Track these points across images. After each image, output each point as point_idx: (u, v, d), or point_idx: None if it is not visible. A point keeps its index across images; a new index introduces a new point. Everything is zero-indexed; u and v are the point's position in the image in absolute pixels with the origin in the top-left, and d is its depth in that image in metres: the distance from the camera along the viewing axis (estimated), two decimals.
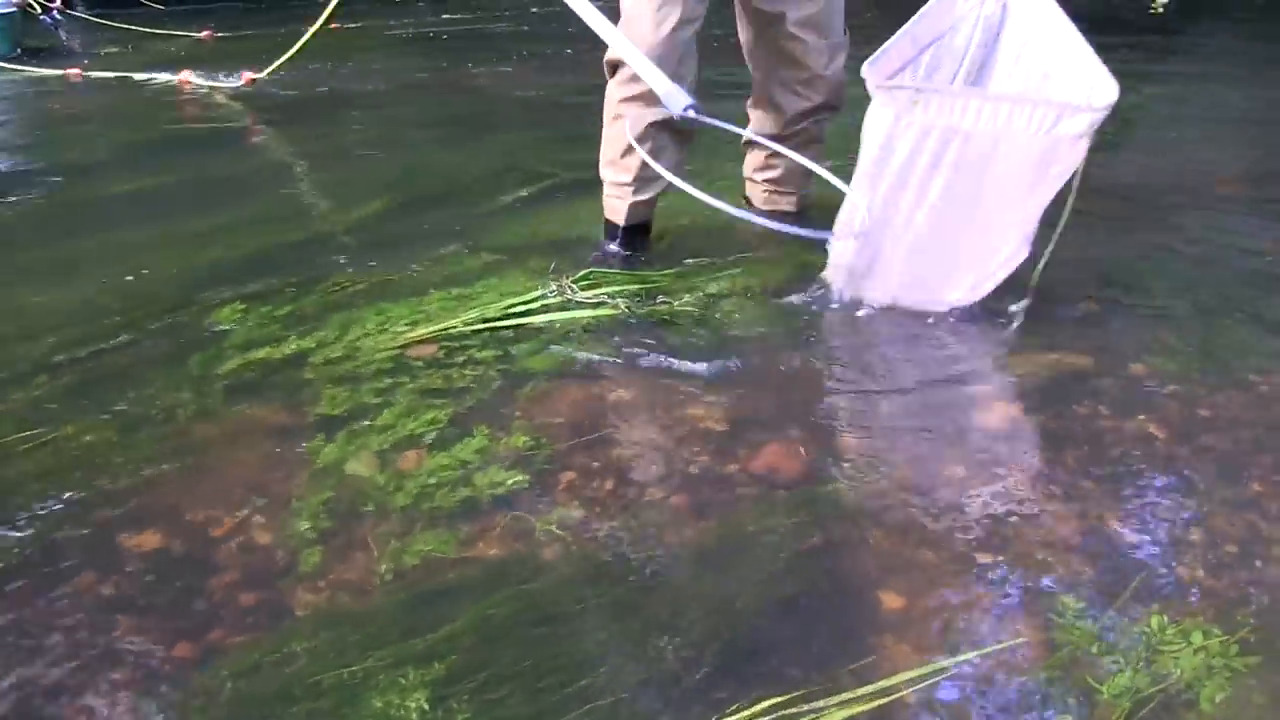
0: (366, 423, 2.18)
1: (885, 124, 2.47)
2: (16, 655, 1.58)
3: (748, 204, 3.43)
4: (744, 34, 3.14)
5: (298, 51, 5.84)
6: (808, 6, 2.94)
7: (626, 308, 2.69)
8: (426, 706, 1.46)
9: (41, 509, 1.93)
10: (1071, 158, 2.38)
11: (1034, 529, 1.86)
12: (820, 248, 2.71)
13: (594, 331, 2.59)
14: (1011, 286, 2.58)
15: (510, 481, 1.98)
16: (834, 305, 2.72)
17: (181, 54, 7.98)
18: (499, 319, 2.60)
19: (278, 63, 5.99)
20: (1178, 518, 1.89)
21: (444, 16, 10.23)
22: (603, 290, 2.76)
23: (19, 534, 1.86)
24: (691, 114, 2.65)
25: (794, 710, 1.43)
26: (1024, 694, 1.48)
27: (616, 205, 3.06)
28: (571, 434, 2.14)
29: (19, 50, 7.96)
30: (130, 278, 3.05)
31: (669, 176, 2.62)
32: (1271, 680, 1.50)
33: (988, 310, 2.63)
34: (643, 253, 3.10)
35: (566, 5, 2.94)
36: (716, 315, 2.68)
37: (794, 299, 2.77)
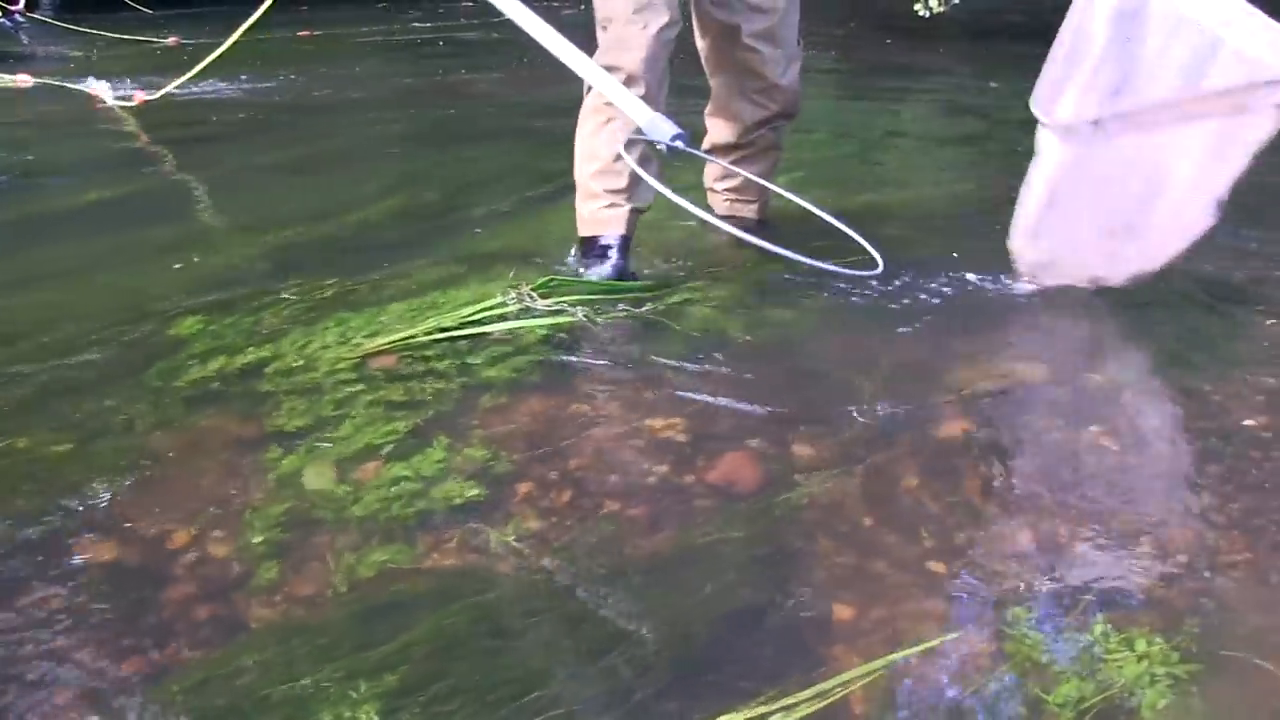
0: (325, 434, 2.18)
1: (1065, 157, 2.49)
2: None
3: (710, 213, 3.44)
4: (701, 43, 3.14)
5: (200, 71, 5.70)
6: (761, 20, 2.96)
7: (586, 317, 2.69)
8: (377, 719, 1.45)
9: None
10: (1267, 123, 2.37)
11: (988, 539, 1.87)
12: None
13: (554, 341, 2.60)
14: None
15: (468, 493, 1.98)
16: (796, 316, 2.73)
17: (140, 61, 7.93)
18: (458, 328, 2.59)
19: (170, 86, 5.82)
20: (1129, 528, 1.91)
21: (412, 25, 10.24)
22: (563, 299, 2.76)
23: None
24: (680, 145, 2.55)
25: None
26: (972, 704, 1.49)
27: (610, 215, 2.93)
28: (529, 445, 2.14)
29: None
30: (88, 289, 3.04)
31: (676, 199, 2.45)
32: (1211, 687, 1.52)
33: (950, 320, 2.65)
34: (628, 267, 2.99)
35: (534, 38, 2.76)
36: (678, 325, 2.68)
37: (755, 309, 2.79)
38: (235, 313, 2.77)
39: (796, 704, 1.47)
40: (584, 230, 2.99)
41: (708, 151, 3.34)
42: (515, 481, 2.02)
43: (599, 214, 2.94)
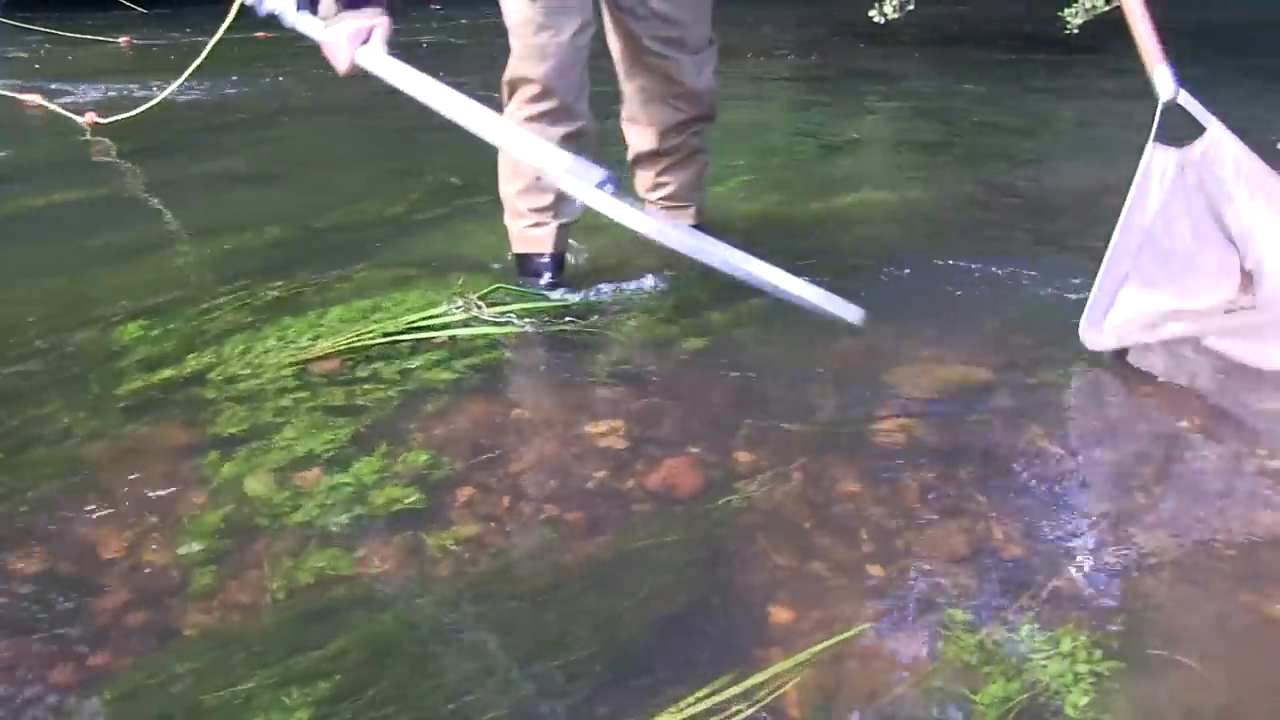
0: (265, 441, 2.18)
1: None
2: None
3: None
4: (613, 48, 3.11)
5: (161, 100, 5.56)
6: (669, 28, 2.94)
7: (532, 325, 2.70)
8: None
9: None
10: None
11: (924, 542, 1.89)
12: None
13: (498, 348, 2.60)
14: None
15: (407, 499, 1.98)
16: (739, 323, 2.75)
17: (91, 63, 7.86)
18: (402, 335, 2.59)
19: (134, 112, 5.69)
20: (1063, 529, 1.93)
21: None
22: (509, 308, 2.77)
23: None
24: (610, 190, 2.13)
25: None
26: (904, 705, 1.51)
27: (538, 234, 2.93)
28: (471, 451, 2.14)
29: None
30: (30, 296, 3.01)
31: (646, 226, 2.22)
32: (1134, 685, 1.54)
33: (894, 325, 2.68)
34: (563, 281, 3.00)
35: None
36: (621, 333, 2.70)
37: (698, 316, 2.80)
38: (179, 318, 2.76)
39: (728, 703, 1.49)
40: (515, 248, 3.00)
41: (632, 163, 3.34)
42: (455, 487, 2.02)
43: (526, 233, 2.94)
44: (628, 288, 2.96)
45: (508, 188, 2.92)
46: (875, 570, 1.81)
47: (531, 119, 2.76)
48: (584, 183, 2.11)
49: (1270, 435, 2.22)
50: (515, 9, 2.73)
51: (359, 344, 2.55)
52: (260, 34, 8.96)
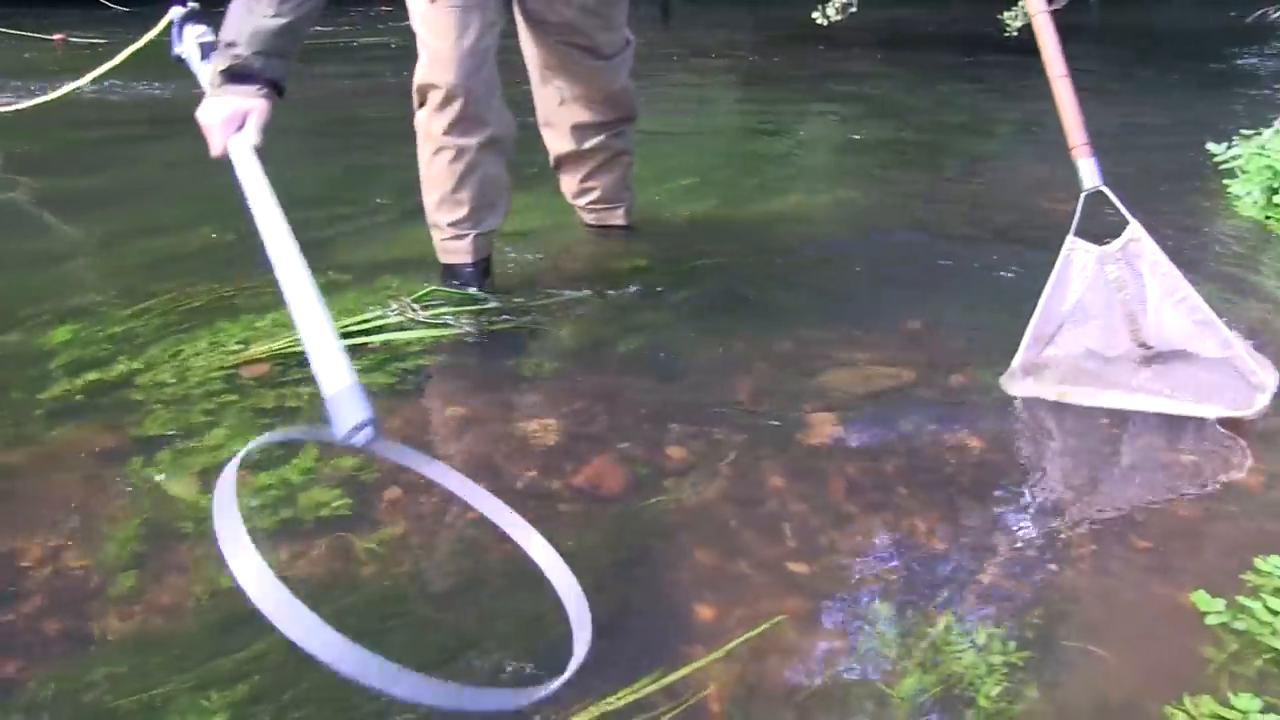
0: (192, 443, 2.16)
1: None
2: None
3: (583, 226, 3.47)
4: (527, 54, 3.11)
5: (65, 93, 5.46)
6: (580, 36, 2.94)
7: (467, 327, 2.70)
8: None
9: None
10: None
11: (849, 539, 1.91)
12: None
13: (431, 351, 2.60)
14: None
15: (334, 501, 1.97)
16: (671, 323, 2.77)
17: (21, 61, 7.75)
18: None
19: (22, 104, 5.54)
20: (984, 525, 1.96)
21: (340, 28, 10.13)
22: (444, 310, 2.76)
23: None
24: (359, 441, 1.49)
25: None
26: (822, 699, 1.52)
27: (457, 245, 2.92)
28: None
29: None
30: None
31: None
32: (1044, 674, 1.57)
33: (823, 325, 2.70)
34: (489, 286, 2.98)
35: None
36: (555, 334, 2.71)
37: (630, 317, 2.82)
38: (108, 322, 2.73)
39: (650, 700, 1.50)
40: (439, 258, 2.98)
41: (554, 167, 3.34)
42: (383, 489, 2.02)
43: (446, 244, 2.93)
44: (562, 290, 2.96)
45: (426, 198, 2.89)
46: (798, 566, 1.83)
47: (446, 129, 2.71)
48: (341, 419, 1.50)
49: (1186, 432, 2.26)
50: (420, 11, 2.68)
51: (291, 349, 2.53)
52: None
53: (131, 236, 3.49)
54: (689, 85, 6.74)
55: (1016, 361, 2.38)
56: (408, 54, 2.69)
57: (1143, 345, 2.38)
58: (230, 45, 2.25)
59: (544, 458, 2.14)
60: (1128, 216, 2.30)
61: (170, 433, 2.20)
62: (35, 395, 2.36)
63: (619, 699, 1.50)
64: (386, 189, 3.97)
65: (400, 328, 2.68)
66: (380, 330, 2.65)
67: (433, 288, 2.87)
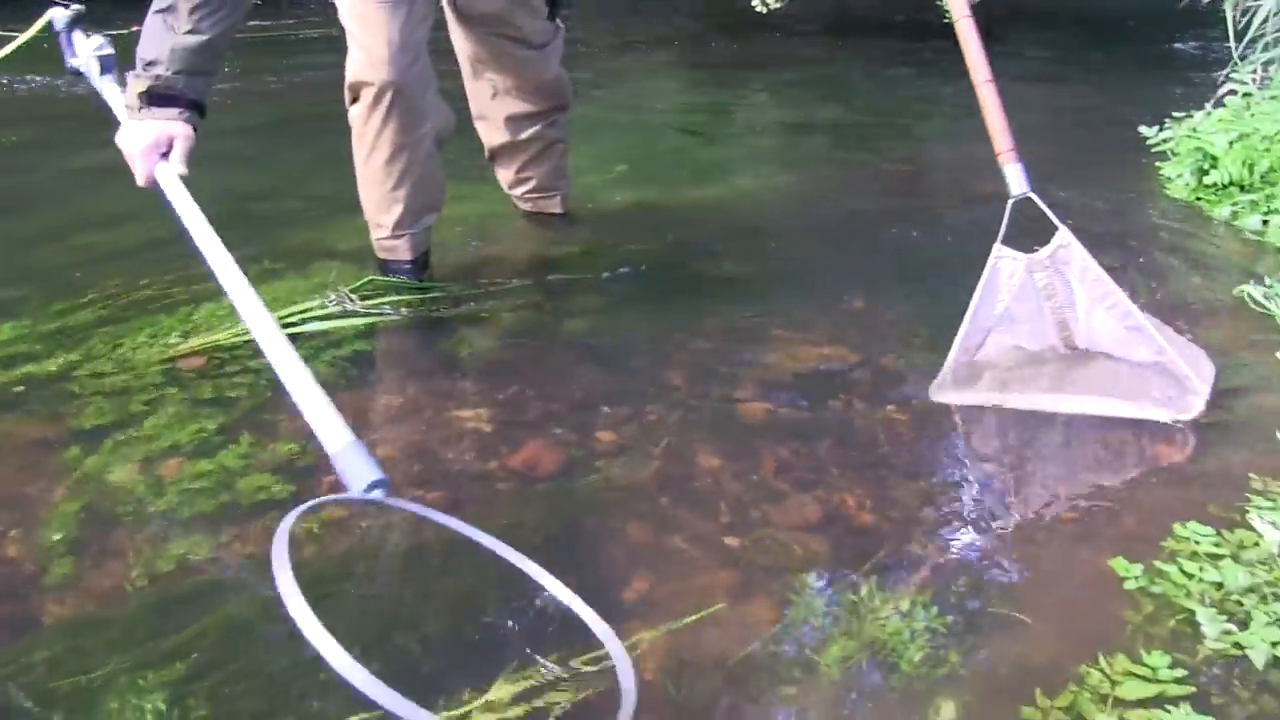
0: (130, 433, 2.16)
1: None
2: None
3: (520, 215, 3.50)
4: (458, 48, 3.10)
5: None
6: (507, 27, 2.94)
7: (405, 315, 2.72)
8: (163, 706, 1.47)
9: None
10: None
11: (781, 514, 1.96)
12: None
13: (369, 339, 2.61)
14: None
15: (272, 486, 1.99)
16: (606, 308, 2.80)
17: None
18: None
19: None
20: (914, 499, 2.01)
21: (251, 22, 10.03)
22: (382, 300, 2.78)
23: None
24: (378, 496, 1.53)
25: (522, 692, 1.49)
26: (751, 668, 1.56)
27: (396, 244, 2.88)
28: None
29: None
30: None
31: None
32: (966, 638, 1.63)
33: (756, 306, 2.75)
34: (428, 276, 2.97)
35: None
36: (492, 321, 2.73)
37: (566, 303, 2.85)
38: (44, 316, 2.71)
39: (578, 669, 1.53)
40: (377, 253, 2.94)
41: (490, 159, 3.35)
42: (321, 474, 2.03)
43: (383, 242, 2.90)
44: (500, 278, 2.98)
45: (362, 195, 2.85)
46: (731, 541, 1.87)
47: (380, 127, 2.64)
48: (351, 475, 1.54)
49: None
50: (349, 5, 2.60)
51: (229, 340, 2.54)
52: (137, 27, 8.78)
53: (67, 233, 3.45)
54: (626, 73, 6.76)
55: (946, 370, 2.37)
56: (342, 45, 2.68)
57: (1073, 349, 2.40)
58: (150, 64, 2.20)
59: (479, 441, 2.16)
60: (1056, 223, 2.30)
61: (107, 423, 2.20)
62: None
63: (551, 669, 1.53)
64: (322, 180, 3.95)
65: (338, 317, 2.68)
66: (318, 320, 2.65)
67: (370, 277, 2.88)
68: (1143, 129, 4.41)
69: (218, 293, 2.76)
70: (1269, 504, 1.95)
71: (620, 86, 6.28)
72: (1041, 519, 1.96)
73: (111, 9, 2.73)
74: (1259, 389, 2.42)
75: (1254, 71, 4.45)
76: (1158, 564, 1.80)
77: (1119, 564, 1.79)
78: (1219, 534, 1.87)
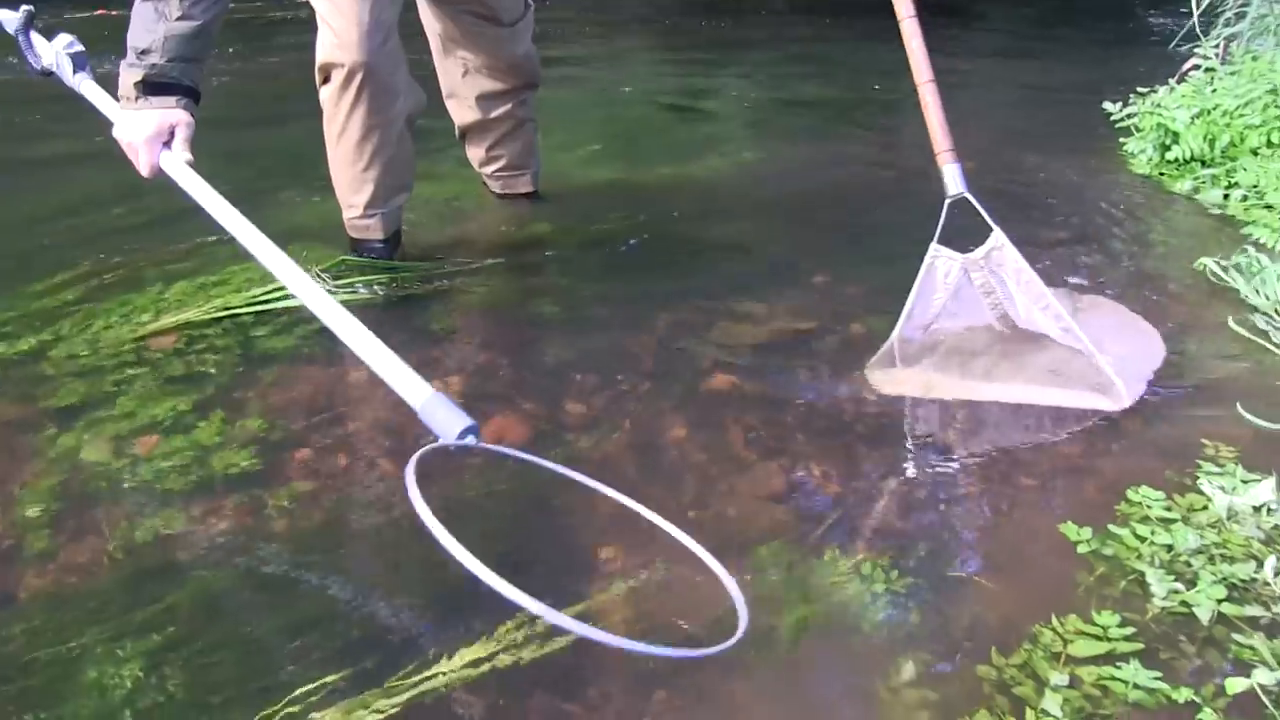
0: (104, 412, 2.18)
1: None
2: None
3: (490, 194, 3.52)
4: (428, 26, 3.10)
5: None
6: (478, 5, 2.94)
7: (376, 293, 2.74)
8: (141, 674, 1.50)
9: None
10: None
11: (746, 483, 2.00)
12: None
13: None
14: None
15: (244, 461, 2.02)
16: (576, 285, 2.83)
17: None
18: (243, 308, 2.61)
19: None
20: (877, 468, 2.06)
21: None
22: (354, 279, 2.80)
23: None
24: (471, 441, 1.61)
25: (490, 654, 1.53)
26: (713, 632, 1.60)
27: (368, 224, 2.89)
28: (308, 414, 2.18)
29: None
30: None
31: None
32: (924, 598, 1.68)
33: (725, 281, 2.79)
34: (399, 255, 2.99)
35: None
36: (463, 298, 2.76)
37: (536, 281, 2.89)
38: (15, 298, 2.71)
39: (544, 632, 1.57)
40: (349, 233, 2.96)
41: (460, 138, 3.37)
42: (292, 448, 2.06)
43: (355, 222, 2.91)
44: (470, 256, 3.00)
45: (334, 176, 2.86)
46: (697, 511, 1.91)
47: (351, 108, 2.64)
48: (443, 424, 1.62)
49: None
50: None
51: (200, 318, 2.56)
52: (100, 11, 8.75)
53: (37, 216, 3.46)
54: (605, 53, 6.77)
55: (881, 358, 2.39)
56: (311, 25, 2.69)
57: (1012, 340, 2.43)
58: (144, 53, 2.19)
59: None
60: (990, 224, 2.31)
61: (82, 402, 2.22)
62: None
63: (513, 630, 1.57)
64: (292, 161, 3.96)
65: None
66: (288, 299, 2.66)
67: (343, 257, 2.90)
68: (1107, 105, 4.46)
69: (186, 273, 2.82)
70: (1218, 470, 2.01)
71: (598, 66, 6.29)
72: (1002, 486, 2.01)
73: None
74: (1213, 358, 2.48)
75: (1216, 47, 4.50)
76: (1111, 528, 1.85)
77: (1069, 529, 1.84)
78: (1170, 498, 1.93)
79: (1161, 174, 3.99)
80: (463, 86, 3.17)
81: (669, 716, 1.46)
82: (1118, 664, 1.53)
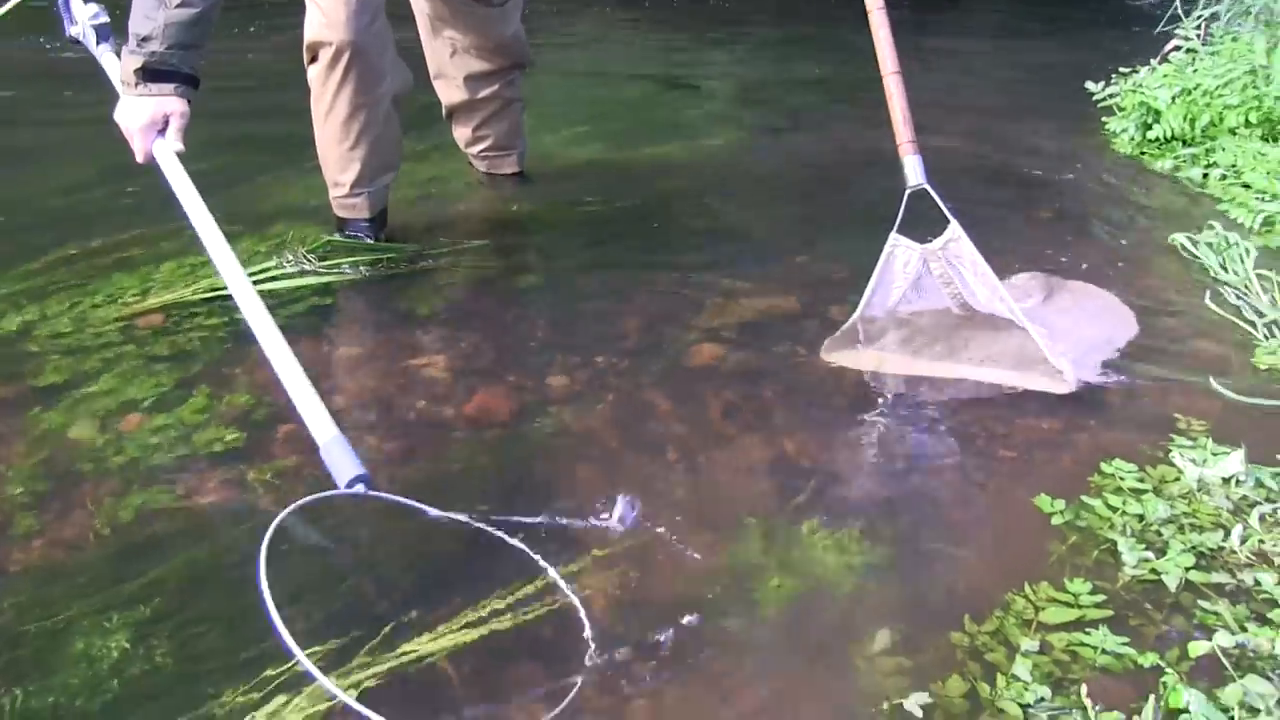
0: (89, 390, 2.19)
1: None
2: None
3: (475, 174, 3.53)
4: (417, 5, 3.10)
5: None
6: None
7: (362, 273, 2.76)
8: (128, 645, 1.52)
9: None
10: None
11: (726, 456, 2.03)
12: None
13: (325, 295, 2.64)
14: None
15: (229, 437, 2.04)
16: (560, 265, 2.85)
17: None
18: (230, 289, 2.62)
19: None
20: (857, 442, 2.09)
21: None
22: (340, 260, 2.81)
23: None
24: (361, 489, 1.69)
25: (474, 623, 1.56)
26: (692, 601, 1.63)
27: (354, 202, 2.91)
28: None
29: None
30: None
31: None
32: (903, 569, 1.72)
33: (708, 260, 2.81)
34: (384, 235, 2.99)
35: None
36: (448, 276, 2.77)
37: (520, 259, 2.92)
38: (2, 276, 2.72)
39: (525, 600, 1.60)
40: (335, 212, 2.97)
41: (447, 118, 3.38)
42: (277, 424, 2.08)
43: (342, 201, 2.92)
44: (455, 236, 3.02)
45: (321, 154, 2.87)
46: (677, 483, 1.94)
47: (339, 86, 2.66)
48: (335, 470, 1.70)
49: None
50: None
51: (187, 299, 2.58)
52: None
53: (25, 195, 3.46)
54: (592, 33, 6.76)
55: (840, 337, 2.39)
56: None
57: (972, 317, 2.44)
58: (144, 40, 2.20)
59: (434, 390, 2.22)
60: (948, 215, 2.32)
61: (67, 381, 2.23)
62: None
63: (499, 600, 1.60)
64: (279, 141, 3.96)
65: (294, 276, 2.71)
66: (275, 279, 2.68)
67: (328, 238, 2.91)
68: (1089, 85, 4.49)
69: (175, 253, 2.83)
70: (1190, 443, 2.04)
71: (586, 47, 6.29)
72: (981, 459, 2.04)
73: None
74: (1187, 334, 2.51)
75: (1198, 28, 4.53)
76: (1084, 499, 1.88)
77: (1042, 501, 1.87)
78: (1143, 471, 1.96)
79: (1143, 153, 4.02)
80: (450, 66, 3.18)
81: (649, 685, 1.48)
82: (1087, 630, 1.56)
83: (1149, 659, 1.50)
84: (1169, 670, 1.48)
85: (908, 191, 2.35)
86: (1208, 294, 2.69)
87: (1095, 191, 3.61)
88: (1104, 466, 1.98)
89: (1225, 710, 1.41)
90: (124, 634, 1.55)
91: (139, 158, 2.27)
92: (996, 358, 2.34)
